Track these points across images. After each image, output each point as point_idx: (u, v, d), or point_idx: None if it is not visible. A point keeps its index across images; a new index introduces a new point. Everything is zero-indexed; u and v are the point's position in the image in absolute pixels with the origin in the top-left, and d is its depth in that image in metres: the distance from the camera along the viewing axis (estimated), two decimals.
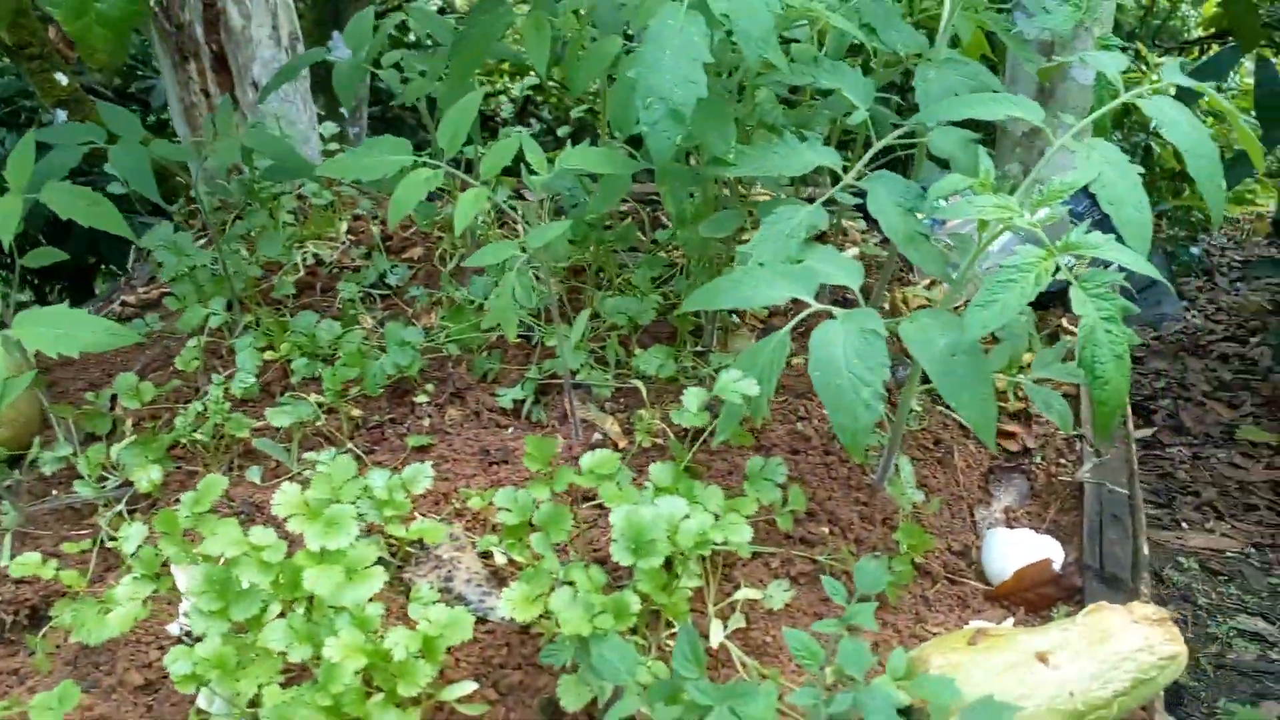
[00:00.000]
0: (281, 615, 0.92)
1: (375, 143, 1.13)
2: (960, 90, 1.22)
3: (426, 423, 1.33)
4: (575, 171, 1.13)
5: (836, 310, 1.00)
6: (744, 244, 1.28)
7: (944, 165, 1.17)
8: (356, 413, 1.35)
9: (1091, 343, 0.93)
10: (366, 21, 1.44)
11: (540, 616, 0.93)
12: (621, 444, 1.31)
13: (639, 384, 1.34)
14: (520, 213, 1.14)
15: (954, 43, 1.33)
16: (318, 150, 2.15)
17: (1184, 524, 3.07)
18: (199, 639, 0.92)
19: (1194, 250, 5.74)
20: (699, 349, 1.50)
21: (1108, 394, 0.94)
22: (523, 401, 1.37)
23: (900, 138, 1.17)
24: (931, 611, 1.15)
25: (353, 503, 0.94)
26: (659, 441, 1.29)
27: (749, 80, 1.25)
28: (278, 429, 1.27)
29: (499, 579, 1.10)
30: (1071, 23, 1.13)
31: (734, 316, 1.57)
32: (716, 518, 0.95)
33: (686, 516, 0.91)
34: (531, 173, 1.12)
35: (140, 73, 3.75)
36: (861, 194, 1.13)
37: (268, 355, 1.32)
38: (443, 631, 0.88)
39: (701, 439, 1.28)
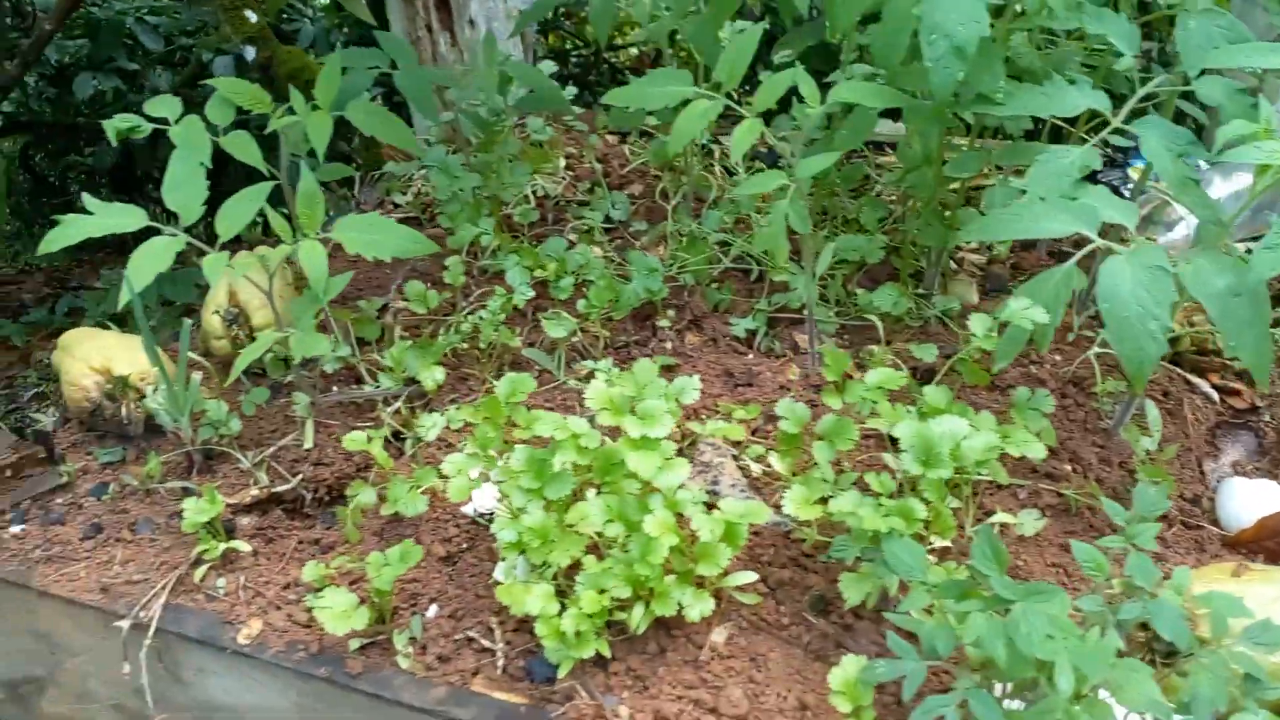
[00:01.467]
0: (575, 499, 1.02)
1: (657, 75, 1.20)
2: (1218, 41, 1.22)
3: (669, 345, 1.42)
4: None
5: (1116, 246, 1.03)
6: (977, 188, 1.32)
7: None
8: (604, 333, 1.45)
9: None
10: None
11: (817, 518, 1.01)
12: (856, 376, 1.37)
13: (874, 319, 1.40)
14: (787, 143, 1.20)
15: None
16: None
17: None
18: (510, 515, 1.03)
19: None
20: (920, 292, 1.54)
21: None
22: (755, 331, 1.45)
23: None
24: (1171, 552, 1.19)
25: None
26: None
27: (1006, 24, 1.27)
28: (539, 341, 1.38)
29: (756, 486, 1.19)
30: None
31: (952, 262, 1.60)
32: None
33: (967, 436, 0.97)
34: (801, 102, 1.17)
35: (287, 14, 3.95)
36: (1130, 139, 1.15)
37: (537, 273, 1.43)
38: (742, 518, 0.97)
39: (937, 377, 1.34)
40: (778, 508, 1.08)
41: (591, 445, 1.00)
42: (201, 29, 4.33)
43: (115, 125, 1.20)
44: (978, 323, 1.03)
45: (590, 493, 1.02)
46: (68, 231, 1.11)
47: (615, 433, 1.04)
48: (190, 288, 3.43)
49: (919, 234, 1.46)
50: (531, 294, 1.38)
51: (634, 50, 3.39)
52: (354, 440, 1.13)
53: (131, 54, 4.04)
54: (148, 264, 1.10)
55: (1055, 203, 1.05)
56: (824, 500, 1.02)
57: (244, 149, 1.23)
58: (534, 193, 1.78)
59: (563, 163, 1.93)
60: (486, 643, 1.08)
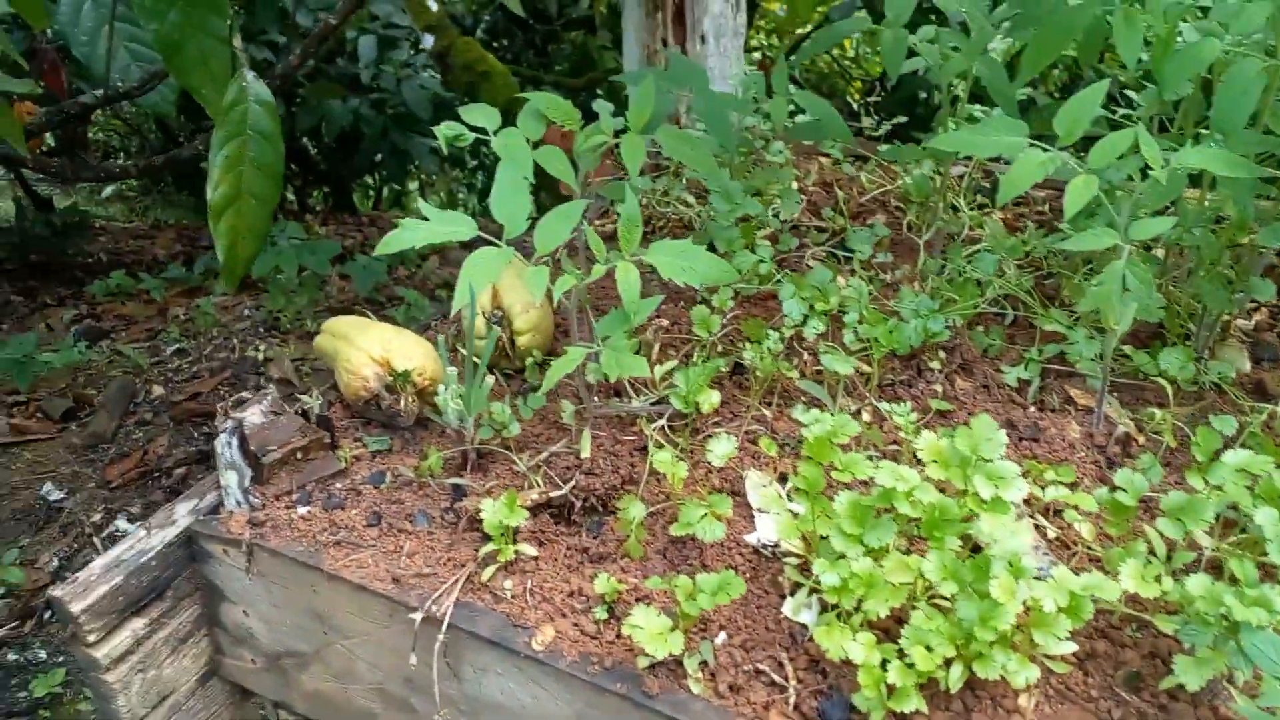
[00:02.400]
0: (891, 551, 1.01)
1: (992, 122, 1.18)
2: None
3: (939, 389, 1.39)
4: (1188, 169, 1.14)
5: None
6: None
7: None
8: (869, 370, 1.44)
9: None
10: None
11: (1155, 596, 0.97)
12: (1140, 440, 1.33)
13: (1162, 382, 1.35)
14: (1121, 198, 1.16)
15: None
16: None
17: None
18: (830, 559, 1.02)
19: None
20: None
21: None
22: (1028, 381, 1.42)
23: None
24: None
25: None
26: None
27: None
28: (810, 372, 1.37)
29: (1057, 550, 1.16)
30: None
31: (1218, 328, 1.54)
32: None
33: None
34: (1146, 170, 1.14)
35: None
36: None
37: (819, 306, 1.42)
38: (1086, 590, 0.94)
39: (1225, 447, 1.29)
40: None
41: (925, 499, 0.99)
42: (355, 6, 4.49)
43: (444, 132, 1.23)
44: None
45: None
46: (404, 236, 1.14)
47: (942, 485, 1.03)
48: (326, 261, 3.54)
49: (1201, 296, 1.41)
50: (822, 328, 1.38)
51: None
52: (662, 461, 1.14)
53: (283, 28, 4.21)
54: (481, 273, 1.13)
55: None
56: (1158, 578, 0.99)
57: (557, 164, 1.26)
58: (774, 215, 1.78)
59: (795, 185, 1.92)
60: (777, 677, 1.08)
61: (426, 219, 1.17)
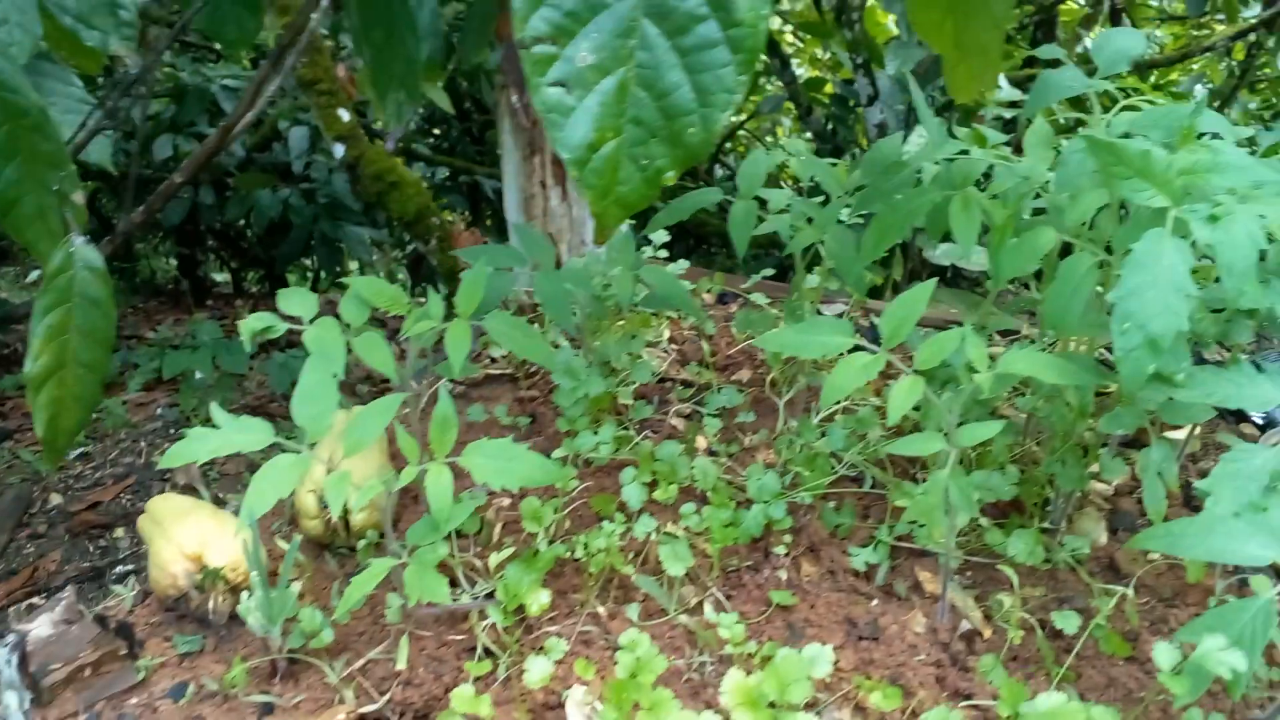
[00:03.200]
0: None
1: (817, 322, 1.14)
2: None
3: (784, 576, 1.34)
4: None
5: None
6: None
7: None
8: (711, 551, 1.37)
9: None
10: (761, 164, 1.47)
11: None
12: (986, 633, 1.28)
13: (1007, 570, 1.31)
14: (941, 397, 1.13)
15: None
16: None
17: None
18: None
19: None
20: (1046, 525, 1.45)
21: None
22: (876, 566, 1.37)
23: None
24: None
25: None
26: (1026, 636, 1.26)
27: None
28: (646, 561, 1.30)
29: None
30: None
31: (1075, 495, 1.52)
32: None
33: None
34: (972, 371, 1.11)
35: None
36: None
37: (656, 495, 1.36)
38: None
39: (1076, 649, 1.25)
40: None
41: None
42: (281, 97, 4.46)
43: (250, 326, 1.16)
44: (1163, 655, 0.94)
45: None
46: (194, 447, 1.06)
47: None
48: (244, 359, 3.43)
49: (1056, 475, 1.39)
50: (654, 524, 1.31)
51: None
52: (461, 698, 1.05)
53: (213, 119, 4.15)
54: (270, 490, 1.04)
55: (1251, 520, 0.97)
56: None
57: (375, 353, 1.19)
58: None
59: (667, 333, 1.88)
60: None
61: (218, 427, 1.08)
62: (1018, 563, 1.33)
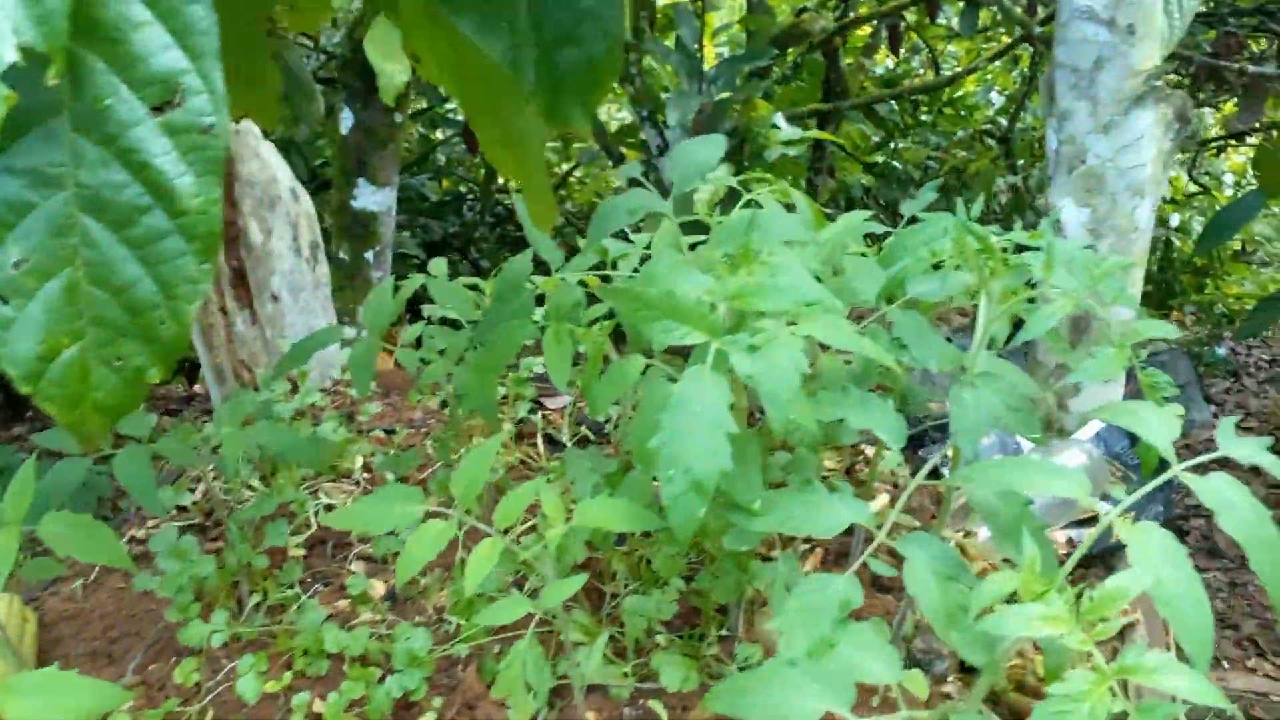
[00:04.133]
0: None
1: (386, 491, 1.08)
2: (999, 411, 1.17)
3: None
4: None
5: None
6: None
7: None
8: None
9: None
10: (386, 297, 1.41)
11: None
12: None
13: (658, 709, 1.27)
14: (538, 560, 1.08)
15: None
16: (338, 357, 2.13)
17: (1225, 663, 2.95)
18: None
19: (1220, 351, 5.65)
20: (724, 633, 1.43)
21: None
22: (535, 715, 1.30)
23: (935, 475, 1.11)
24: None
25: None
26: None
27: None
28: None
29: None
30: (1117, 372, 1.07)
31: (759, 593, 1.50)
32: None
33: None
34: (549, 525, 1.06)
35: None
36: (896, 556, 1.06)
37: (268, 687, 1.26)
38: None
39: None
40: None
41: None
42: None
43: None
44: None
45: None
46: None
47: None
48: None
49: (713, 588, 1.36)
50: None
51: None
52: None
53: None
54: None
55: (808, 669, 0.95)
56: None
57: None
58: (314, 514, 1.63)
59: (360, 462, 1.79)
60: None
61: None
62: (670, 692, 1.29)
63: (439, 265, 1.52)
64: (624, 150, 5.16)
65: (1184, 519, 3.77)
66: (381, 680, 1.27)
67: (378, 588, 1.53)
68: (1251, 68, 3.06)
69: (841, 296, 1.25)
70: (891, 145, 7.42)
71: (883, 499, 1.69)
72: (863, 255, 1.31)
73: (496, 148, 1.11)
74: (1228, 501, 0.96)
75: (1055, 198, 1.67)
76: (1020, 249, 1.22)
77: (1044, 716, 0.85)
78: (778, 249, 1.15)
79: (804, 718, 0.90)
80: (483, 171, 6.18)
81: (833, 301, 1.13)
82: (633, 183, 1.21)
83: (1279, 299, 3.74)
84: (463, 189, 6.36)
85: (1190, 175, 6.76)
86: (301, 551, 1.57)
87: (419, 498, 1.07)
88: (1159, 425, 1.01)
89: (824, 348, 1.28)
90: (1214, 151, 6.87)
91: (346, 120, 3.04)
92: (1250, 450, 1.00)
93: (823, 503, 1.07)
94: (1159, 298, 7.69)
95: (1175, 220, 7.85)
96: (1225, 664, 2.98)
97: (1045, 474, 1.01)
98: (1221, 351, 5.67)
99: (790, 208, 1.40)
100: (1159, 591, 0.92)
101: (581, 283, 1.39)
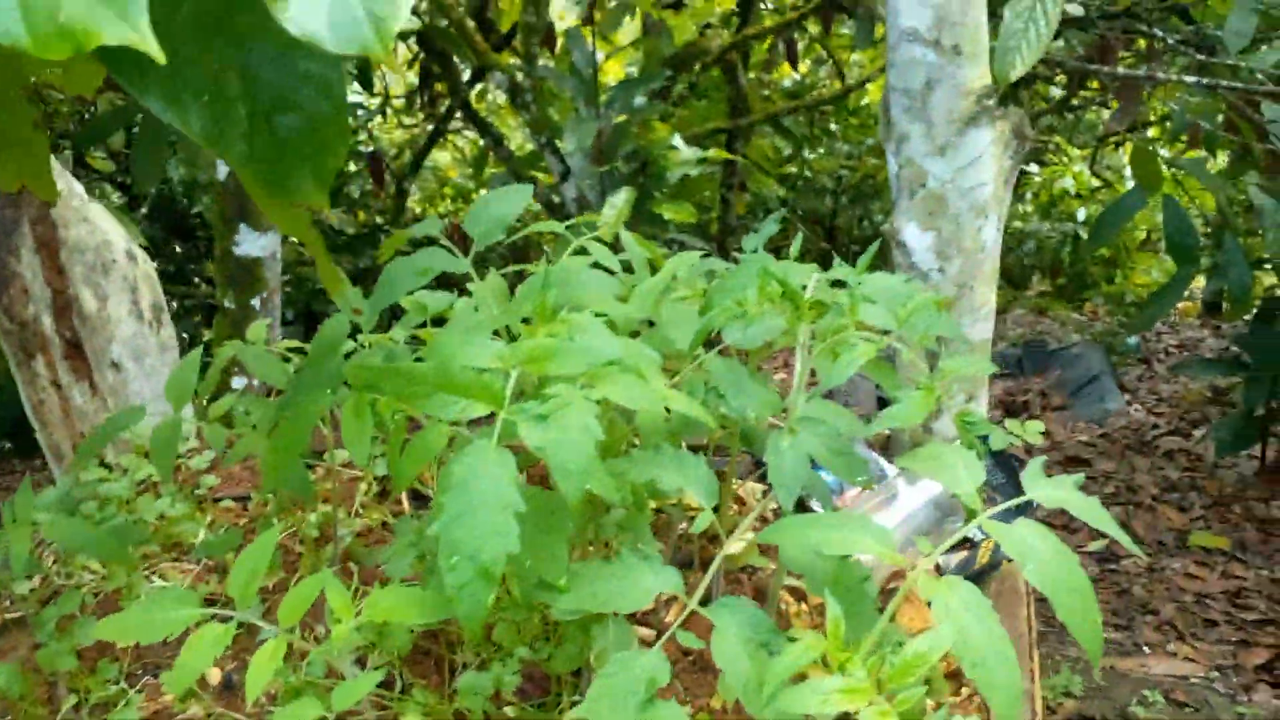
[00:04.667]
0: None
1: (158, 596, 0.99)
2: (821, 455, 1.13)
3: None
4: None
5: None
6: None
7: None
8: None
9: None
10: (191, 372, 1.32)
11: None
12: None
13: None
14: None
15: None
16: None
17: (1146, 648, 2.98)
18: None
19: (1131, 340, 5.78)
20: (578, 698, 1.36)
21: None
22: None
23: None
24: None
25: None
26: None
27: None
28: None
29: None
30: (921, 416, 1.04)
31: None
32: None
33: None
34: (337, 620, 0.99)
35: None
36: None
37: None
38: None
39: None
40: None
41: None
42: None
43: None
44: None
45: None
46: None
47: None
48: None
49: (554, 656, 1.29)
50: None
51: None
52: None
53: None
54: None
55: None
56: None
57: None
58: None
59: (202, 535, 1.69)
60: None
61: None
62: None
63: (257, 330, 1.44)
64: (536, 175, 5.11)
65: (1103, 506, 3.83)
66: None
67: (214, 675, 1.43)
68: (1122, 70, 3.13)
69: (659, 348, 1.20)
70: (802, 156, 7.48)
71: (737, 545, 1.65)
72: (683, 300, 1.26)
73: (274, 209, 1.04)
74: (1032, 550, 0.92)
75: (899, 222, 1.65)
76: (836, 284, 1.18)
77: None
78: (585, 305, 1.10)
79: None
80: (393, 203, 6.07)
81: (640, 357, 1.08)
82: (428, 240, 1.14)
83: (1168, 292, 3.81)
84: (379, 220, 6.24)
85: (1092, 170, 6.92)
86: (130, 642, 1.46)
87: (192, 601, 0.99)
88: (964, 472, 0.98)
89: None
90: (1113, 146, 7.05)
91: (223, 166, 2.93)
92: (1054, 492, 0.97)
93: (630, 574, 1.01)
94: (1071, 291, 7.87)
95: (1082, 215, 8.04)
96: (1146, 649, 3.01)
97: (853, 530, 0.97)
98: (1133, 341, 5.80)
99: (615, 248, 1.36)
100: (964, 651, 0.88)
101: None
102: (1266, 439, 3.86)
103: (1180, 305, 6.84)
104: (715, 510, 1.07)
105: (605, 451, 1.11)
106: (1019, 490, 0.97)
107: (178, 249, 5.09)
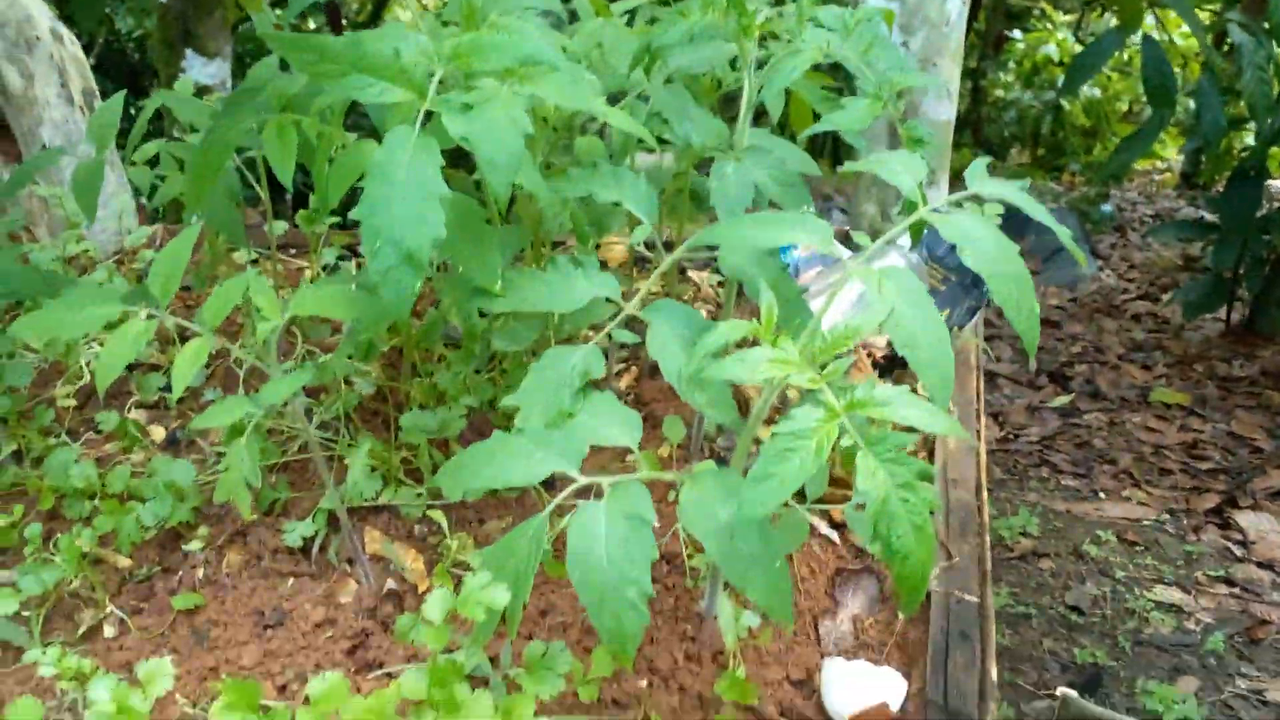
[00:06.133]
0: None
1: (78, 292, 0.96)
2: (766, 185, 1.10)
3: (200, 573, 1.18)
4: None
5: (605, 480, 0.87)
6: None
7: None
8: (125, 563, 1.20)
9: (885, 516, 0.82)
10: (113, 112, 1.26)
11: None
12: (421, 586, 1.18)
13: (439, 518, 1.21)
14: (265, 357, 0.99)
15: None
16: (132, 210, 1.94)
17: (1102, 494, 3.08)
18: None
19: (1105, 208, 5.76)
20: None
21: (909, 569, 0.83)
22: (313, 537, 1.23)
23: (696, 249, 1.04)
24: None
25: None
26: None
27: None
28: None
29: None
30: (866, 121, 1.01)
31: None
32: None
33: None
34: (263, 318, 0.96)
35: None
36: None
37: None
38: None
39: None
40: None
41: None
42: None
43: None
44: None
45: None
46: None
47: None
48: None
49: (498, 396, 1.29)
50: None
51: None
52: None
53: None
54: None
55: (536, 435, 0.89)
56: None
57: None
58: (86, 365, 1.50)
59: None
60: None
61: None
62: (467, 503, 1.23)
63: (185, 84, 1.37)
64: None
65: (1068, 365, 3.87)
66: None
67: (157, 433, 1.42)
68: None
69: (601, 75, 1.15)
70: None
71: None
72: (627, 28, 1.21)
73: None
74: (970, 235, 0.91)
75: None
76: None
77: (770, 453, 0.81)
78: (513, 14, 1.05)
79: (526, 479, 0.85)
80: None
81: (576, 73, 1.03)
82: None
83: (1138, 139, 3.75)
84: None
85: (1076, 36, 6.75)
86: (73, 402, 1.45)
87: (114, 297, 0.96)
88: (905, 170, 0.95)
89: (584, 130, 1.18)
90: (1098, 12, 6.86)
91: None
92: (998, 189, 0.95)
93: (566, 280, 0.99)
94: (1050, 159, 7.78)
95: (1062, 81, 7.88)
96: (1102, 494, 3.09)
97: (790, 226, 0.95)
98: (1107, 209, 5.77)
99: None
100: (895, 330, 0.88)
101: None
102: (1233, 301, 3.86)
103: (1159, 177, 6.80)
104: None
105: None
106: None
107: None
